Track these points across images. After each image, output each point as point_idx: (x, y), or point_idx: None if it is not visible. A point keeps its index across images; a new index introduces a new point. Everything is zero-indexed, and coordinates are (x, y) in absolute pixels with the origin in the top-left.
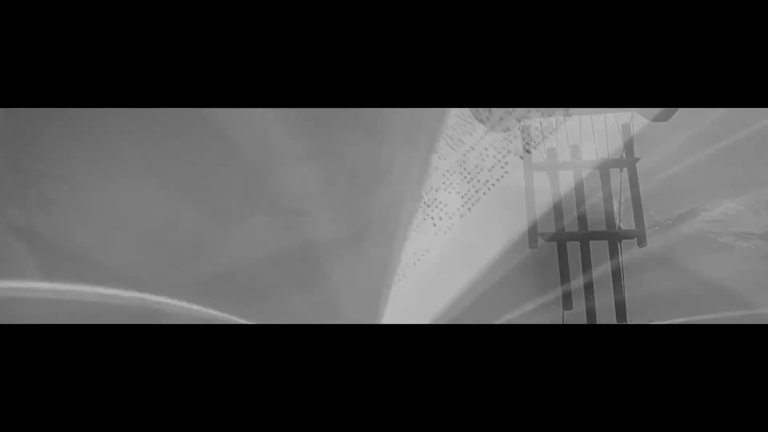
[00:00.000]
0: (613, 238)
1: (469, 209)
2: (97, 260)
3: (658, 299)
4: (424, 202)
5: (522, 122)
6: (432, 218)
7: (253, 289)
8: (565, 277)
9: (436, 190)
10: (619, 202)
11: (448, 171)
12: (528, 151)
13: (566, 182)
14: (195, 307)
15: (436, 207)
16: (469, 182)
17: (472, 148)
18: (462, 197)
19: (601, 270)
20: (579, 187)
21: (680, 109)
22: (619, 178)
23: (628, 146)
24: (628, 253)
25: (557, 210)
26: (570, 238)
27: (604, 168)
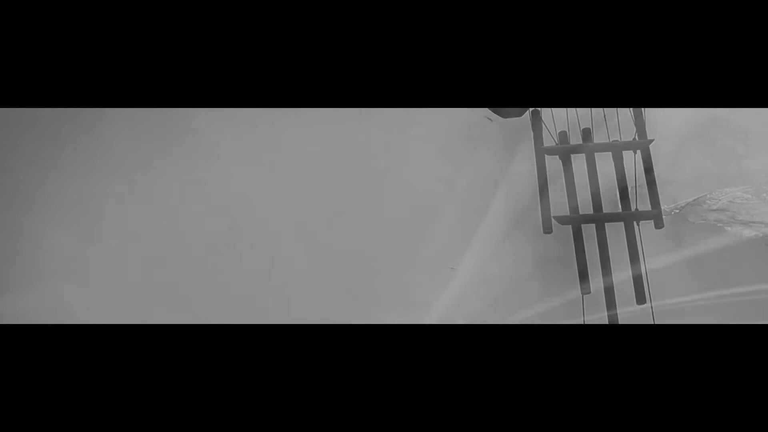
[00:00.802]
0: (630, 219)
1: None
2: None
3: (667, 290)
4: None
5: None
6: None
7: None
8: (581, 260)
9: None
10: (635, 184)
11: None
12: (539, 134)
13: (579, 166)
14: None
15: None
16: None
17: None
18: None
19: (619, 252)
20: (592, 171)
21: None
22: (632, 160)
23: (641, 128)
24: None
25: (571, 194)
26: (585, 221)
27: (617, 150)
